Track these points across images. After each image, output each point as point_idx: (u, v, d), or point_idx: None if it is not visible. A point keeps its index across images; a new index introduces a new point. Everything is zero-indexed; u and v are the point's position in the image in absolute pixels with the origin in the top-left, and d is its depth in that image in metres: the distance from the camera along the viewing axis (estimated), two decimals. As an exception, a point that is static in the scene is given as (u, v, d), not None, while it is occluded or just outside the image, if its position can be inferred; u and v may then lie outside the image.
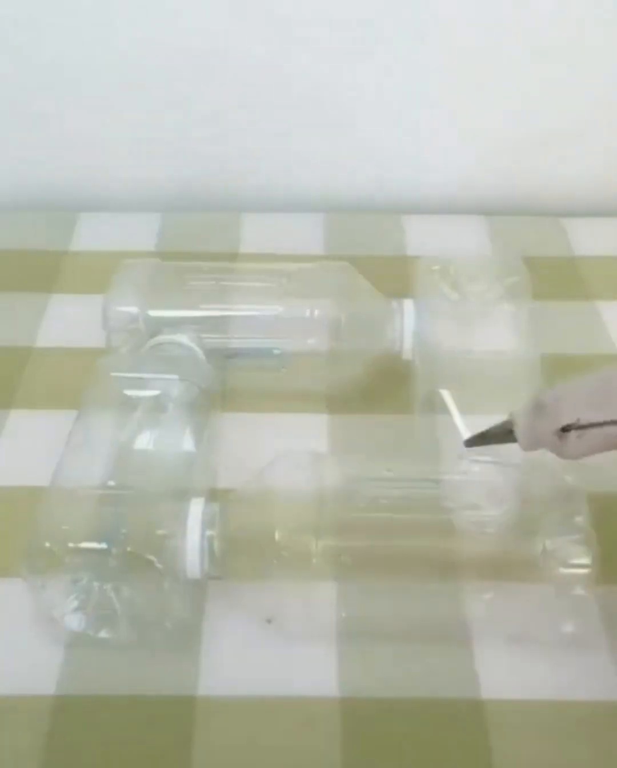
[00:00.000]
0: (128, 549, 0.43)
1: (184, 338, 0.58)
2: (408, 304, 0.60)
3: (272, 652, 0.46)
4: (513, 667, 0.46)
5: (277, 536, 0.44)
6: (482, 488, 0.48)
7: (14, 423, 0.59)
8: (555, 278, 0.73)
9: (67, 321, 0.68)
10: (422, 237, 0.78)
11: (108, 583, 0.44)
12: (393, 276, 0.68)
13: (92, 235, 0.78)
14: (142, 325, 0.60)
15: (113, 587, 0.44)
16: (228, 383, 0.60)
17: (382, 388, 0.61)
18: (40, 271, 0.73)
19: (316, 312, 0.60)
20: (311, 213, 0.81)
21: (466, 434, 0.50)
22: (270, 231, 0.79)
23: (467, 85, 0.78)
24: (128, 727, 0.43)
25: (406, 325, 0.60)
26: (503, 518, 0.46)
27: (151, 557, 0.43)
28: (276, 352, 0.60)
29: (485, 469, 0.49)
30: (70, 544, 0.44)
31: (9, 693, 0.44)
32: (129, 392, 0.53)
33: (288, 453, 0.48)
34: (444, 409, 0.55)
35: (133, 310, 0.60)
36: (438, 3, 0.74)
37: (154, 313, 0.60)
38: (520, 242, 0.77)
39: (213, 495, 0.54)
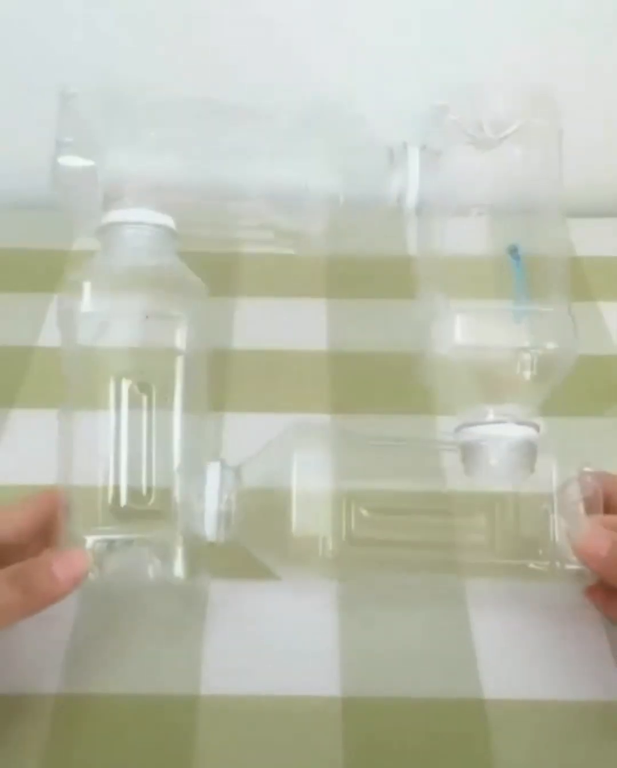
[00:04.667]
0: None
1: (149, 213, 0.47)
2: (413, 154, 0.52)
3: (274, 651, 0.47)
4: (515, 667, 0.46)
5: (292, 500, 0.45)
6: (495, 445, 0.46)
7: (16, 422, 0.60)
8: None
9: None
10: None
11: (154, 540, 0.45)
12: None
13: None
14: (99, 181, 0.49)
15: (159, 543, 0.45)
16: (228, 383, 0.61)
17: (384, 387, 0.61)
18: (43, 271, 0.73)
19: (311, 186, 0.51)
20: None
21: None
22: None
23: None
24: (130, 726, 0.43)
25: (411, 180, 0.51)
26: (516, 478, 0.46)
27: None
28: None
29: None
30: (125, 506, 0.45)
31: (11, 691, 0.45)
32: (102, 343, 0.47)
33: (299, 422, 0.49)
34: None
35: (87, 163, 0.48)
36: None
37: (113, 165, 0.49)
38: (520, 242, 0.77)
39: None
